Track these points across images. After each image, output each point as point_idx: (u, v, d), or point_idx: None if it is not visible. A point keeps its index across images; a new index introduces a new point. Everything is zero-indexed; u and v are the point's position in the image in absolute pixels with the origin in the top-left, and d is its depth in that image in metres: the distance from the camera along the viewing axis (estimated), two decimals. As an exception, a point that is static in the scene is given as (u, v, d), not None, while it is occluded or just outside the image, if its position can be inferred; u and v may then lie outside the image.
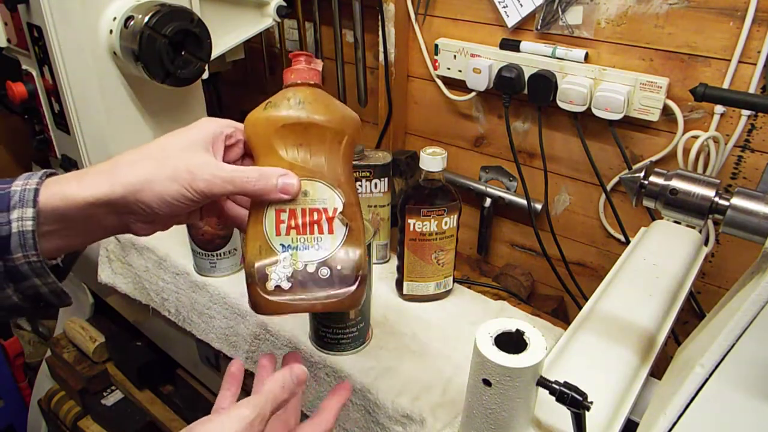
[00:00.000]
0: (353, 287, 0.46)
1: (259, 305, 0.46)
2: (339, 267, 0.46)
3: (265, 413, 0.42)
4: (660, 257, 0.73)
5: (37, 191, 0.42)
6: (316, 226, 0.46)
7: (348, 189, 0.47)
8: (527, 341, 0.50)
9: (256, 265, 0.46)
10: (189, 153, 0.44)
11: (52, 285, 0.44)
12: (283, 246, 0.46)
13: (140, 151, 0.45)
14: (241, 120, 0.50)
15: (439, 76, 1.10)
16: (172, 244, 0.94)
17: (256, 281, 0.46)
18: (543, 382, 0.49)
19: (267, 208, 0.46)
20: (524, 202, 1.05)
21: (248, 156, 0.51)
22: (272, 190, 0.45)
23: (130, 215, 0.45)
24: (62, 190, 0.43)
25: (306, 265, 0.46)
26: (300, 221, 0.46)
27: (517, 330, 0.51)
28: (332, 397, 0.51)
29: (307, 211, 0.46)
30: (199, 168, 0.43)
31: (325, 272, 0.46)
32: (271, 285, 0.45)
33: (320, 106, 0.47)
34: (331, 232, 0.46)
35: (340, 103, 0.49)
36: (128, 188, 0.43)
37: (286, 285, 0.46)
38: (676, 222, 0.79)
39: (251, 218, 0.47)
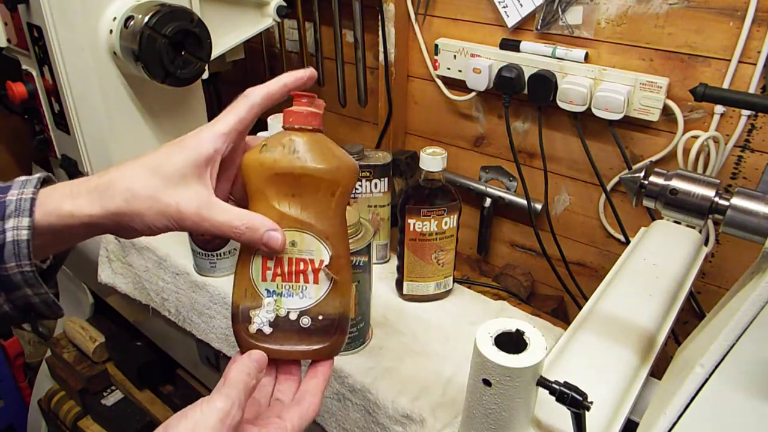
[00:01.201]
0: (332, 339, 0.47)
1: (241, 344, 0.47)
2: (320, 317, 0.47)
3: (240, 401, 0.41)
4: (660, 257, 0.73)
5: (33, 200, 0.42)
6: (301, 276, 0.47)
7: (337, 241, 0.47)
8: (527, 341, 0.50)
9: (241, 306, 0.47)
10: (181, 187, 0.44)
11: (44, 296, 0.45)
12: (268, 291, 0.47)
13: (133, 174, 0.44)
14: None
15: (439, 76, 1.10)
16: (172, 244, 0.94)
17: (240, 321, 0.47)
18: (543, 382, 0.49)
19: (255, 254, 0.46)
20: (524, 202, 1.05)
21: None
22: (257, 242, 0.45)
23: (119, 231, 0.45)
24: (58, 208, 0.43)
25: (289, 312, 0.47)
26: (286, 269, 0.47)
27: (517, 330, 0.51)
28: (312, 378, 0.48)
29: (294, 261, 0.46)
30: (189, 207, 0.44)
31: (306, 321, 0.47)
32: (253, 328, 0.47)
33: (316, 155, 0.46)
34: (316, 282, 0.47)
35: (338, 149, 0.48)
36: (119, 214, 0.43)
37: (267, 330, 0.46)
38: (676, 222, 0.79)
39: (240, 261, 0.47)
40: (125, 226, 0.44)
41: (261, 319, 0.46)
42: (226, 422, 0.39)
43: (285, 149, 0.45)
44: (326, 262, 0.46)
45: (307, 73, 0.49)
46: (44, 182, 0.45)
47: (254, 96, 0.47)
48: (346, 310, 0.48)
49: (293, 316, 0.47)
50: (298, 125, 0.47)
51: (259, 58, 1.34)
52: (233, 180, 0.51)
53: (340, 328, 0.47)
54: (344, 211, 0.48)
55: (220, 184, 0.49)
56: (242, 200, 0.50)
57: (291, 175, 0.45)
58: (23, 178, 0.44)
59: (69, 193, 0.43)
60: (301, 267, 0.46)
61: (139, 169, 0.44)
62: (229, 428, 0.39)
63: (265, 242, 0.45)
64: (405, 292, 0.84)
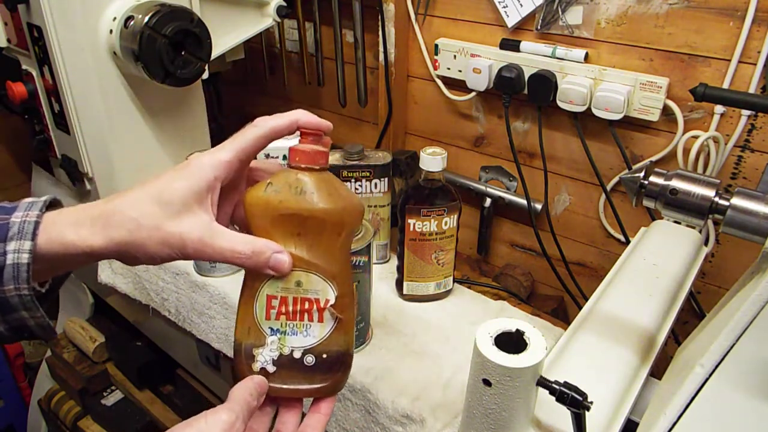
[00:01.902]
0: (335, 377, 0.47)
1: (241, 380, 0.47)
2: (324, 356, 0.47)
3: (243, 416, 0.42)
4: (660, 257, 0.73)
5: (37, 224, 0.42)
6: (306, 315, 0.47)
7: (342, 281, 0.47)
8: (527, 341, 0.50)
9: (244, 344, 0.46)
10: (183, 214, 0.43)
11: (39, 319, 0.44)
12: (272, 329, 0.46)
13: (136, 202, 0.44)
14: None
15: (439, 76, 1.10)
16: (172, 244, 0.94)
17: (242, 359, 0.47)
18: (543, 382, 0.49)
19: (259, 292, 0.46)
20: (524, 202, 1.05)
21: (249, 183, 0.51)
22: (263, 266, 0.45)
23: (122, 258, 0.45)
24: (61, 236, 0.43)
25: (293, 350, 0.46)
26: (291, 308, 0.46)
27: (517, 330, 0.51)
28: (315, 413, 0.48)
29: (299, 300, 0.46)
30: (191, 235, 0.43)
31: (310, 360, 0.47)
32: (256, 366, 0.46)
33: (322, 196, 0.45)
34: (321, 321, 0.47)
35: (344, 189, 0.48)
36: (121, 246, 0.43)
37: (271, 368, 0.46)
38: (676, 222, 0.79)
39: (243, 297, 0.47)
40: (127, 256, 0.44)
41: (264, 358, 0.46)
42: None
43: (291, 189, 0.45)
44: (332, 302, 0.46)
45: (327, 124, 0.48)
46: (50, 205, 0.45)
47: (263, 127, 0.47)
48: (350, 347, 0.48)
49: (297, 355, 0.46)
50: (305, 165, 0.46)
51: (259, 58, 1.34)
52: (235, 205, 0.51)
53: (344, 366, 0.47)
54: (349, 251, 0.48)
55: (222, 209, 0.48)
56: (244, 226, 0.49)
57: (297, 216, 0.45)
58: (30, 200, 0.44)
59: (73, 221, 0.43)
60: (306, 306, 0.46)
61: (142, 197, 0.44)
62: None
63: (272, 265, 0.45)
64: (405, 292, 0.84)
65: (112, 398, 1.32)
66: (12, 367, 1.56)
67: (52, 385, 1.42)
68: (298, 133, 0.49)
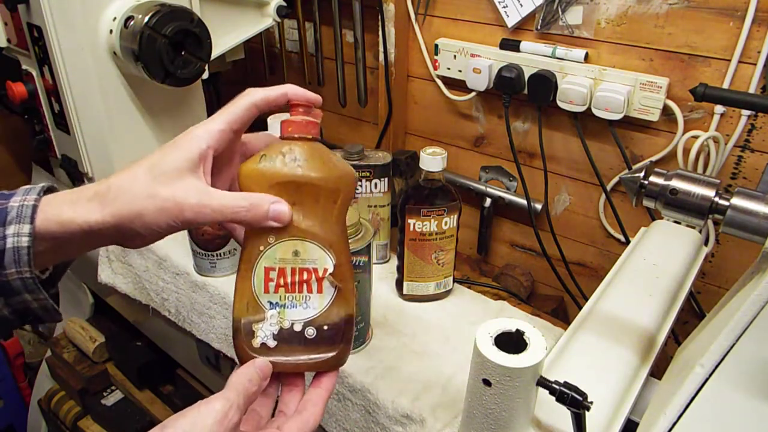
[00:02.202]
0: (338, 349, 0.47)
1: (244, 359, 0.47)
2: (325, 327, 0.46)
3: (238, 403, 0.41)
4: (660, 257, 0.73)
5: (35, 207, 0.42)
6: (305, 285, 0.46)
7: (340, 249, 0.47)
8: (527, 341, 0.50)
9: (243, 321, 0.46)
10: (177, 181, 0.43)
11: (43, 301, 0.45)
12: (270, 303, 0.46)
13: (129, 175, 0.44)
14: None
15: (439, 76, 1.10)
16: (172, 244, 0.94)
17: (242, 336, 0.46)
18: (543, 382, 0.49)
19: (256, 264, 0.46)
20: (524, 202, 1.05)
21: (243, 157, 0.51)
22: (263, 218, 0.44)
23: (120, 238, 0.45)
24: (58, 214, 0.43)
25: (293, 323, 0.46)
26: (289, 280, 0.46)
27: (517, 330, 0.51)
28: (316, 388, 0.48)
29: (297, 271, 0.46)
30: (187, 198, 0.43)
31: (311, 332, 0.46)
32: (257, 342, 0.46)
33: (316, 164, 0.45)
34: (320, 291, 0.46)
35: (337, 158, 0.48)
36: (119, 219, 0.43)
37: (272, 343, 0.46)
38: (676, 222, 0.79)
39: (240, 273, 0.47)
40: (126, 231, 0.44)
41: (265, 333, 0.46)
42: (223, 423, 0.39)
43: (285, 158, 0.45)
44: (330, 270, 0.46)
45: (316, 97, 0.49)
46: (47, 191, 0.45)
47: (255, 96, 0.47)
48: (351, 318, 0.47)
49: (298, 328, 0.46)
50: (298, 134, 0.46)
51: (259, 58, 1.34)
52: (230, 182, 0.50)
53: (346, 337, 0.47)
54: (345, 220, 0.48)
55: (217, 184, 0.48)
56: None
57: (292, 183, 0.45)
58: (27, 186, 0.44)
59: (69, 200, 0.44)
60: (305, 276, 0.46)
61: (136, 171, 0.44)
62: (226, 430, 0.39)
63: (272, 215, 0.44)
64: (405, 292, 0.84)
65: (112, 398, 1.32)
66: (12, 367, 1.56)
67: (52, 385, 1.42)
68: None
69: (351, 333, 0.47)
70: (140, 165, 0.44)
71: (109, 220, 0.43)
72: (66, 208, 0.43)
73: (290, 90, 0.48)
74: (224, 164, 0.50)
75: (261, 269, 0.46)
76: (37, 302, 0.44)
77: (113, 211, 0.43)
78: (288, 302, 0.46)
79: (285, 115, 0.49)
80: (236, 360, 0.47)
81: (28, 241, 0.42)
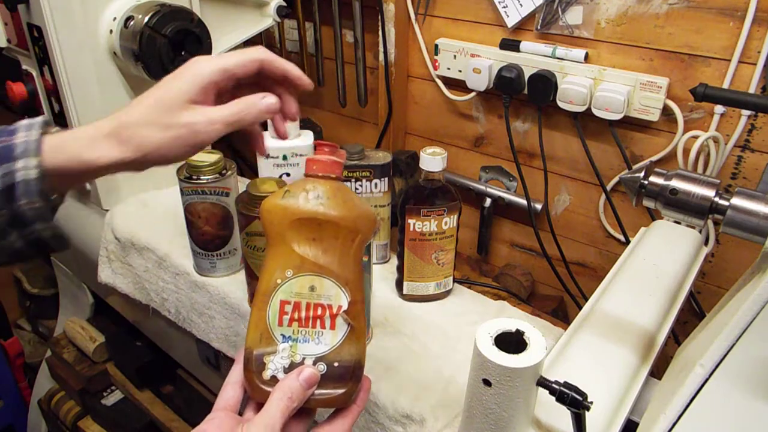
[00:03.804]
0: (346, 387, 0.47)
1: (253, 391, 0.47)
2: (336, 365, 0.47)
3: (276, 430, 0.42)
4: (660, 257, 0.73)
5: (39, 141, 0.46)
6: (318, 321, 0.47)
7: (355, 287, 0.47)
8: (527, 341, 0.50)
9: (255, 352, 0.46)
10: (185, 109, 0.47)
11: (55, 229, 0.48)
12: (283, 336, 0.47)
13: (142, 112, 0.47)
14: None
15: (439, 76, 1.10)
16: (172, 244, 0.94)
17: (252, 368, 0.46)
18: (543, 382, 0.49)
19: (273, 297, 0.46)
20: (524, 202, 1.05)
21: (243, 86, 0.52)
22: (260, 114, 0.48)
23: (138, 168, 0.48)
24: (79, 154, 0.46)
25: (304, 358, 0.47)
26: (303, 314, 0.47)
27: (517, 330, 0.51)
28: (343, 411, 0.49)
29: (312, 306, 0.47)
30: (197, 122, 0.46)
31: (321, 368, 0.47)
32: (267, 375, 0.46)
33: (338, 203, 0.47)
34: (333, 328, 0.47)
35: (358, 198, 0.49)
36: (138, 154, 0.46)
37: (281, 376, 0.46)
38: (676, 222, 0.79)
39: (256, 305, 0.47)
40: (144, 162, 0.47)
41: (275, 365, 0.46)
42: None
43: (308, 195, 0.46)
44: (344, 308, 0.46)
45: (308, 83, 0.53)
46: (46, 125, 0.48)
47: (261, 53, 0.50)
48: (362, 357, 0.48)
49: (309, 363, 0.46)
50: (322, 173, 0.47)
51: (259, 58, 1.34)
52: None
53: (355, 376, 0.47)
54: (361, 259, 0.49)
55: None
56: None
57: (314, 220, 0.46)
58: (26, 121, 0.47)
59: (89, 139, 0.47)
60: (319, 312, 0.47)
61: (146, 108, 0.47)
62: None
63: (266, 109, 0.48)
64: (405, 292, 0.84)
65: (112, 398, 1.32)
66: (12, 367, 1.56)
67: (52, 385, 1.42)
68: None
69: (361, 371, 0.48)
70: (148, 99, 0.48)
71: (128, 156, 0.46)
72: (86, 150, 0.46)
73: (292, 71, 0.51)
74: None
75: (277, 302, 0.46)
76: (49, 230, 0.47)
77: (133, 148, 0.46)
78: (301, 336, 0.47)
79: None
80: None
81: (36, 173, 0.45)
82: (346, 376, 0.47)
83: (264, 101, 0.48)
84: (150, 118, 0.46)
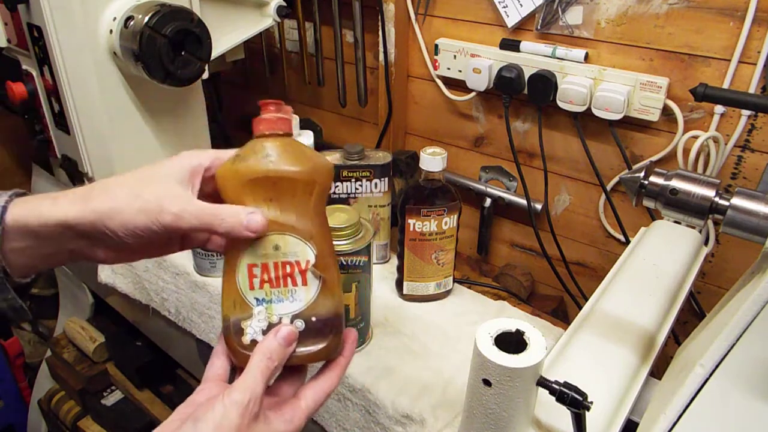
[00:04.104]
0: (328, 339, 0.47)
1: (236, 357, 0.47)
2: (314, 319, 0.47)
3: (257, 392, 0.42)
4: (660, 257, 0.73)
5: (4, 209, 0.43)
6: (289, 279, 0.46)
7: (320, 240, 0.47)
8: (527, 341, 0.50)
9: (232, 319, 0.46)
10: (162, 185, 0.44)
11: (11, 301, 0.45)
12: (257, 300, 0.46)
13: (117, 180, 0.45)
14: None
15: (439, 76, 1.10)
16: (172, 244, 0.94)
17: (232, 334, 0.46)
18: (543, 382, 0.49)
19: (239, 262, 0.46)
20: (524, 202, 1.05)
21: None
22: (239, 227, 0.44)
23: (98, 241, 0.45)
24: (37, 207, 0.43)
25: (281, 317, 0.46)
26: (273, 275, 0.46)
27: (517, 330, 0.51)
28: (331, 363, 0.49)
29: (280, 265, 0.46)
30: (169, 201, 0.43)
31: (299, 325, 0.46)
32: (246, 339, 0.46)
33: (289, 158, 0.46)
34: (305, 284, 0.46)
35: (310, 150, 0.48)
36: (97, 214, 0.43)
37: (261, 338, 0.46)
38: (676, 222, 0.79)
39: (225, 273, 0.47)
40: (102, 229, 0.43)
41: (254, 329, 0.46)
42: (245, 415, 0.41)
43: (258, 155, 0.45)
44: (312, 262, 0.46)
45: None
46: (19, 197, 0.45)
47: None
48: (339, 309, 0.47)
49: (286, 321, 0.46)
50: (269, 131, 0.47)
51: (259, 58, 1.34)
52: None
53: (335, 329, 0.47)
54: (324, 211, 0.48)
55: None
56: None
57: (267, 179, 0.45)
58: None
59: (50, 196, 0.44)
60: (288, 270, 0.46)
61: (124, 175, 0.45)
62: (250, 415, 0.41)
63: (247, 225, 0.45)
64: (405, 292, 0.84)
65: (112, 398, 1.32)
66: (12, 367, 1.56)
67: (52, 385, 1.42)
68: None
69: (341, 322, 0.47)
70: (127, 174, 0.45)
71: (87, 216, 0.43)
72: (47, 203, 0.44)
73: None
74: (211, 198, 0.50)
75: (244, 266, 0.46)
76: (5, 302, 0.45)
77: (93, 207, 0.43)
78: (274, 297, 0.46)
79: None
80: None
81: None
82: (325, 330, 0.47)
83: (249, 216, 0.44)
84: (122, 185, 0.44)
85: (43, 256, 0.46)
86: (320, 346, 0.47)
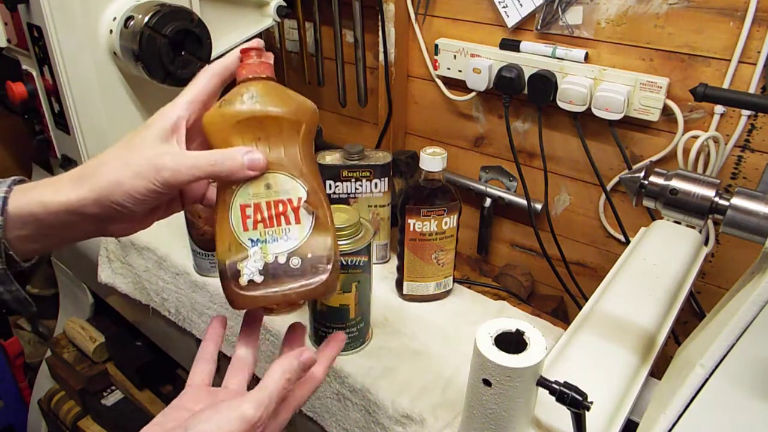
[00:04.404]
0: (326, 274, 0.47)
1: (234, 301, 0.47)
2: (309, 255, 0.47)
3: (269, 412, 0.41)
4: (660, 257, 0.73)
5: (5, 199, 0.43)
6: (282, 218, 0.47)
7: (310, 177, 0.47)
8: (527, 341, 0.50)
9: (227, 262, 0.46)
10: (151, 147, 0.44)
11: (15, 293, 0.45)
12: (252, 240, 0.46)
13: (106, 153, 0.45)
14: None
15: (439, 76, 1.10)
16: (172, 244, 0.94)
17: (229, 278, 0.46)
18: (543, 382, 0.49)
19: (232, 204, 0.46)
20: (524, 202, 1.05)
21: None
22: (240, 168, 0.45)
23: (107, 217, 0.45)
24: (39, 195, 0.43)
25: (276, 256, 0.46)
26: (266, 214, 0.46)
27: (517, 330, 0.51)
28: (324, 349, 0.49)
29: (272, 204, 0.46)
30: (162, 160, 0.43)
31: (296, 262, 0.47)
32: (244, 280, 0.46)
33: (274, 98, 0.47)
34: (298, 221, 0.47)
35: (294, 92, 0.49)
36: (99, 192, 0.43)
37: (258, 279, 0.46)
38: (676, 222, 0.79)
39: (217, 217, 0.47)
40: (109, 207, 0.43)
41: (250, 270, 0.46)
42: (255, 428, 0.40)
43: (243, 97, 0.46)
44: (304, 198, 0.47)
45: (254, 42, 0.50)
46: (19, 183, 0.45)
47: (213, 68, 0.49)
48: (333, 247, 0.47)
49: (282, 260, 0.46)
50: (252, 75, 0.47)
51: (259, 58, 1.34)
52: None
53: (332, 264, 0.47)
54: (311, 150, 0.49)
55: None
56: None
57: (254, 119, 0.46)
58: None
59: (50, 182, 0.44)
60: (281, 208, 0.46)
61: (111, 152, 0.45)
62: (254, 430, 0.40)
63: (249, 164, 0.45)
64: (405, 292, 0.84)
65: (112, 398, 1.32)
66: (12, 367, 1.56)
67: (52, 385, 1.42)
68: None
69: (336, 258, 0.48)
70: (114, 147, 0.45)
71: (89, 195, 0.43)
72: (47, 189, 0.44)
73: (240, 48, 0.49)
74: (200, 140, 0.50)
75: (237, 208, 0.46)
76: (9, 294, 0.45)
77: (92, 186, 0.43)
78: (269, 237, 0.46)
79: None
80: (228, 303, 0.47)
81: None
82: (321, 266, 0.47)
83: (248, 155, 0.45)
84: (113, 157, 0.44)
85: (49, 239, 0.46)
86: (318, 280, 0.47)
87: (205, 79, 0.48)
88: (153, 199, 0.44)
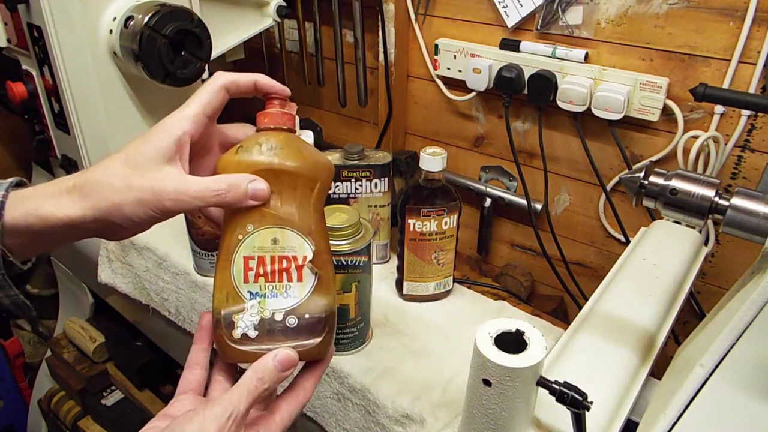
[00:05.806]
0: (320, 337, 0.46)
1: (224, 352, 0.46)
2: (307, 316, 0.46)
3: (239, 410, 0.40)
4: (660, 257, 0.73)
5: (2, 203, 0.42)
6: (285, 274, 0.46)
7: (318, 237, 0.47)
8: (527, 341, 0.50)
9: (223, 312, 0.46)
10: (153, 170, 0.43)
11: (14, 297, 0.45)
12: (251, 293, 0.46)
13: (107, 167, 0.44)
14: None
15: (439, 76, 1.10)
16: (172, 244, 0.94)
17: (222, 328, 0.46)
18: (543, 382, 0.49)
19: (235, 254, 0.46)
20: (524, 202, 1.05)
21: (222, 147, 0.51)
22: (243, 198, 0.44)
23: (106, 230, 0.45)
24: (38, 208, 0.42)
25: (274, 313, 0.46)
26: (269, 268, 0.46)
27: (517, 330, 0.51)
28: (306, 371, 0.48)
29: (276, 259, 0.46)
30: (164, 187, 0.43)
31: (292, 321, 0.46)
32: (237, 333, 0.45)
33: (293, 153, 0.46)
34: (300, 280, 0.46)
35: (313, 148, 0.48)
36: (98, 213, 0.42)
37: (252, 333, 0.45)
38: (676, 222, 0.79)
39: (219, 264, 0.46)
40: (106, 224, 0.43)
41: (245, 323, 0.45)
42: (223, 429, 0.39)
43: (262, 148, 0.45)
44: (309, 258, 0.46)
45: (284, 90, 0.48)
46: (17, 185, 0.45)
47: (224, 79, 0.47)
48: (332, 308, 0.47)
49: (279, 317, 0.46)
50: (273, 125, 0.47)
51: (259, 58, 1.34)
52: (211, 172, 0.50)
53: (328, 327, 0.47)
54: (323, 210, 0.48)
55: (199, 173, 0.48)
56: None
57: (270, 171, 0.45)
58: None
59: (48, 193, 0.43)
60: (284, 265, 0.46)
61: (112, 164, 0.44)
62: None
63: (252, 194, 0.44)
64: (405, 292, 0.84)
65: (112, 398, 1.32)
66: (12, 367, 1.56)
67: (52, 385, 1.42)
68: None
69: (333, 321, 0.47)
70: (116, 157, 0.44)
71: (88, 214, 0.42)
72: (46, 203, 0.43)
73: (260, 79, 0.48)
74: (203, 152, 0.50)
75: (240, 259, 0.46)
76: (8, 298, 0.45)
77: (92, 205, 0.42)
78: (268, 291, 0.46)
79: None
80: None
81: None
82: (318, 327, 0.46)
83: (252, 185, 0.44)
84: (114, 177, 0.43)
85: (47, 246, 0.46)
86: (313, 342, 0.46)
87: (212, 92, 0.46)
88: (152, 223, 0.44)
